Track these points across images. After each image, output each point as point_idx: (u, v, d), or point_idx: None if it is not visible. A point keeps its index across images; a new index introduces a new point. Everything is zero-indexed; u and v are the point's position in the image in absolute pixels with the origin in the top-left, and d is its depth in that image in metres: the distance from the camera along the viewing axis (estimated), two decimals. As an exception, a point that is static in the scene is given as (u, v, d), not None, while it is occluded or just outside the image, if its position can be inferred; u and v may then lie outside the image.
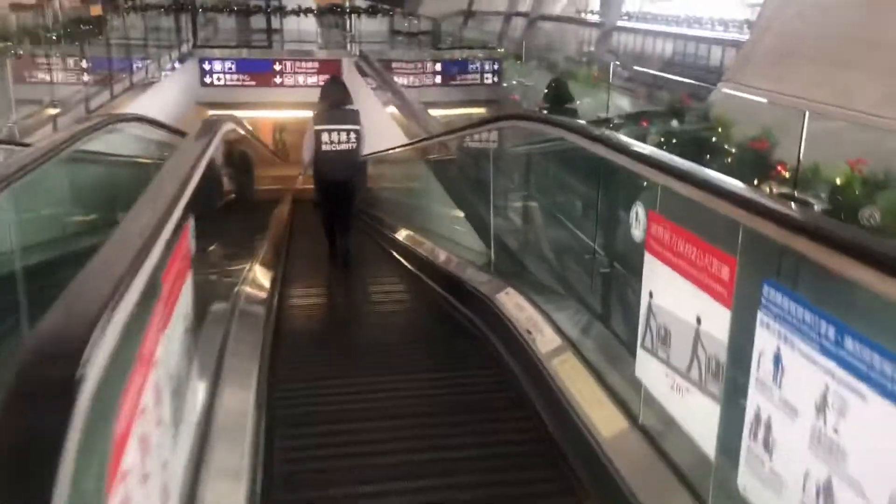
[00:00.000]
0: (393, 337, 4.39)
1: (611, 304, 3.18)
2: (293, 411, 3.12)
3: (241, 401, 2.55)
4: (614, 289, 3.20)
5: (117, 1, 20.20)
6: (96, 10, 12.18)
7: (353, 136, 6.03)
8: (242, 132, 6.34)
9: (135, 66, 14.76)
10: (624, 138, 2.67)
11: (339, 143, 5.98)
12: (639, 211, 2.29)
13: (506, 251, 4.31)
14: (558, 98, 8.04)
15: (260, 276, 4.93)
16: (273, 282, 5.15)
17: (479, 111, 19.61)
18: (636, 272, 2.35)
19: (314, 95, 18.43)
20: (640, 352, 2.29)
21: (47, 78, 16.56)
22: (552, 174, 4.22)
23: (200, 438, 2.10)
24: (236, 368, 2.78)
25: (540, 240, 4.17)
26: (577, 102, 7.86)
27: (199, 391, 2.31)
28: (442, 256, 5.30)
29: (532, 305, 3.32)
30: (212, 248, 5.00)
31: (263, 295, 4.26)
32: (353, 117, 6.18)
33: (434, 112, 15.28)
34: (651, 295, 2.19)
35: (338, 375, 3.61)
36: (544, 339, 2.99)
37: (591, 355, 2.83)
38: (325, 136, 5.96)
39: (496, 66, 18.76)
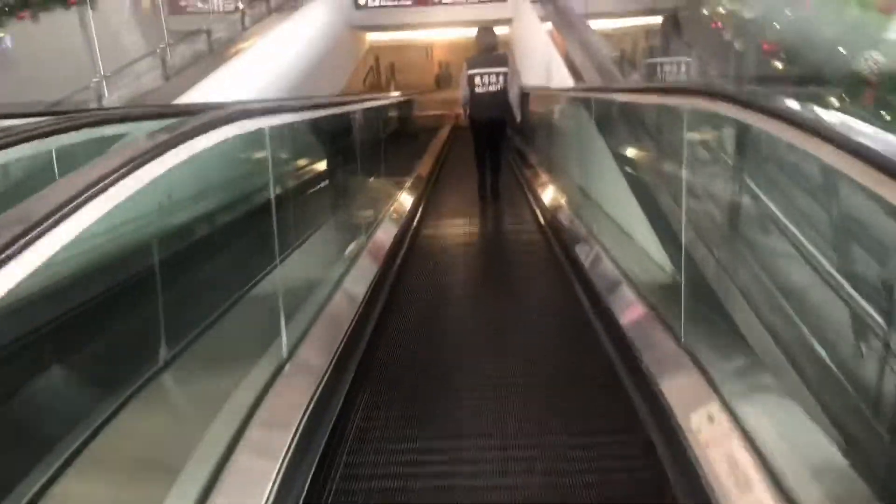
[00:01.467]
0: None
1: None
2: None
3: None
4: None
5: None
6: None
7: (501, 78, 6.45)
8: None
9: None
10: None
11: (490, 84, 6.44)
12: None
13: (701, 286, 2.66)
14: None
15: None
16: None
17: (656, 21, 16.90)
18: None
19: (474, 13, 16.68)
20: None
21: (205, 7, 16.22)
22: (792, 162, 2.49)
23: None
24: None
25: (763, 278, 2.48)
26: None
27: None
28: (591, 260, 3.68)
29: (762, 469, 1.64)
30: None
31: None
32: (502, 60, 6.55)
33: (600, 24, 13.02)
34: None
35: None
36: None
37: None
38: (476, 80, 6.45)
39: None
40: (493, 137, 6.76)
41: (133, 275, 2.35)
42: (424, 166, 9.37)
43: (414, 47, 23.20)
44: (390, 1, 16.72)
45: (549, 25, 10.24)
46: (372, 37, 20.26)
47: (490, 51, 6.61)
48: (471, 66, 6.50)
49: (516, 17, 15.33)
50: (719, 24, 5.50)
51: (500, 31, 16.67)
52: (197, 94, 6.96)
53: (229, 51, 8.88)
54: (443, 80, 24.61)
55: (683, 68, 7.41)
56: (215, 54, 8.29)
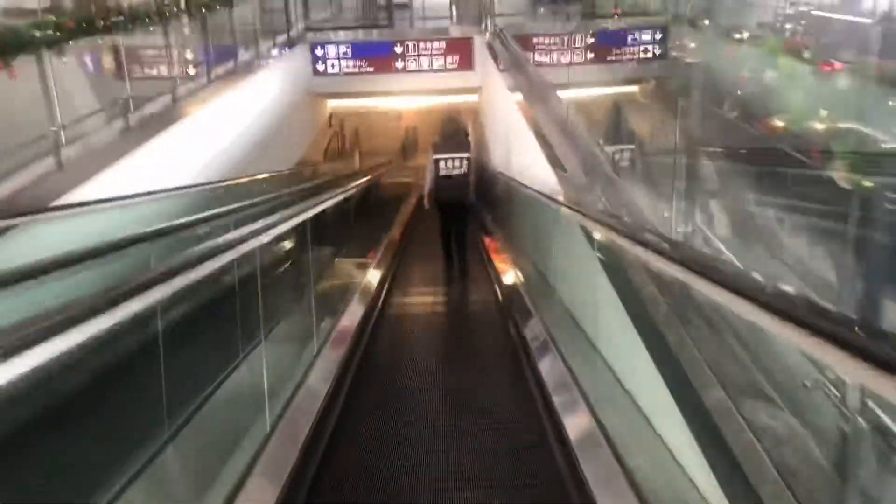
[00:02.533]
0: None
1: None
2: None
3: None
4: None
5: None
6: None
7: (464, 162, 6.93)
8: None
9: (236, 52, 12.80)
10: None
11: (454, 168, 6.92)
12: None
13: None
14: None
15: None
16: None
17: (631, 90, 16.28)
18: None
19: (441, 81, 16.09)
20: None
21: (154, 72, 15.09)
22: None
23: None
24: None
25: None
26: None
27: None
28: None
29: None
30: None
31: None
32: (465, 146, 7.00)
33: (572, 94, 12.22)
34: None
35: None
36: None
37: None
38: (441, 164, 6.93)
39: (658, 36, 15.32)
40: (457, 216, 7.21)
41: None
42: (389, 245, 8.30)
43: (380, 112, 22.32)
44: (352, 68, 15.80)
45: (518, 96, 9.28)
46: (333, 103, 19.34)
47: (454, 137, 7.02)
48: (436, 152, 6.99)
49: (484, 86, 14.48)
50: (777, 123, 4.15)
51: (468, 98, 15.92)
52: (99, 186, 5.72)
53: (153, 126, 7.71)
54: (410, 147, 23.63)
55: (627, 155, 8.13)
56: (133, 131, 7.11)
